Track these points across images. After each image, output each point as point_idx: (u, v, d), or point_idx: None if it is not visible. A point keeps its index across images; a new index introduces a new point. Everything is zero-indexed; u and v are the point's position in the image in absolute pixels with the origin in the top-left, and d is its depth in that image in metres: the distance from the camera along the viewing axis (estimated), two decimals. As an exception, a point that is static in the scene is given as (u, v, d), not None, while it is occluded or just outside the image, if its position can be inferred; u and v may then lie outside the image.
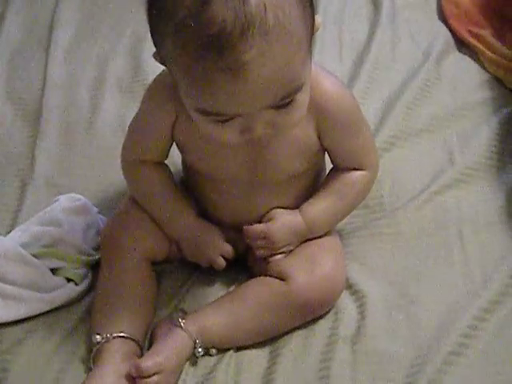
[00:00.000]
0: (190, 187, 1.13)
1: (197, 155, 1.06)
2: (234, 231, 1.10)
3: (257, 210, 1.08)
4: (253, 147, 1.00)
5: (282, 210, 1.08)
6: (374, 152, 1.11)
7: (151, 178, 1.10)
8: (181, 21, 0.82)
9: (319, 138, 1.03)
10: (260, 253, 1.07)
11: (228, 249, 1.09)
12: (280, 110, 0.89)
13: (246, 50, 0.81)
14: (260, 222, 1.08)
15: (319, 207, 1.08)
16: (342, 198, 1.08)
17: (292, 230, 1.07)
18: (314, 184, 1.11)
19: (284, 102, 0.89)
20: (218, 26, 0.80)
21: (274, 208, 1.08)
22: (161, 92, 1.03)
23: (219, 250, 1.09)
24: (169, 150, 1.09)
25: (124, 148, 1.10)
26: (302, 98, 0.91)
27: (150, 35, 0.91)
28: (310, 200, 1.08)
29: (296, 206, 1.08)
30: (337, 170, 1.09)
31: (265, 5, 0.81)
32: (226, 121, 0.89)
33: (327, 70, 1.04)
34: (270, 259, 1.07)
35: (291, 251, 1.08)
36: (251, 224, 1.07)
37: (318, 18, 0.92)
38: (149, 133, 1.06)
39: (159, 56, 0.92)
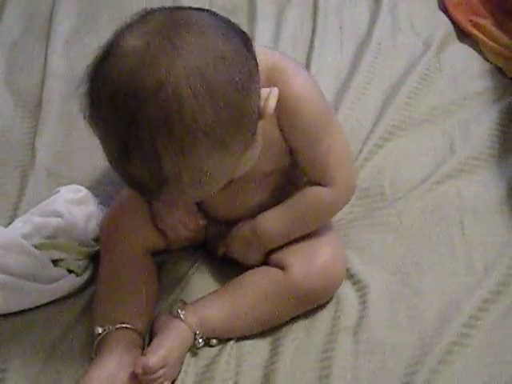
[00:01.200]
0: None
1: None
2: (223, 225, 1.10)
3: (237, 205, 1.08)
4: None
5: (243, 222, 1.09)
6: (343, 170, 1.05)
7: None
8: (110, 154, 0.86)
9: (284, 137, 1.01)
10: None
11: (187, 218, 1.09)
12: None
13: (163, 196, 0.87)
14: (243, 216, 1.09)
15: (271, 219, 1.06)
16: (295, 212, 1.05)
17: (244, 240, 1.08)
18: (294, 180, 1.08)
19: None
20: (137, 179, 0.85)
21: (255, 203, 1.08)
22: None
23: (178, 216, 1.08)
24: None
25: None
26: (247, 161, 0.92)
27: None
28: (266, 211, 1.07)
29: (276, 204, 1.07)
30: (306, 183, 1.06)
31: (179, 168, 0.83)
32: None
33: (301, 68, 1.02)
34: None
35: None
36: (240, 219, 1.09)
37: (270, 96, 0.89)
38: None
39: None
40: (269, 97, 0.89)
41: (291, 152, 1.03)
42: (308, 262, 1.04)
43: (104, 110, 0.84)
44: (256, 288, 1.04)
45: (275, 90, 0.90)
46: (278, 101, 0.92)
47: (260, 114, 0.89)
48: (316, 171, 1.04)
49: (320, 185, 1.04)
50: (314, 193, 1.05)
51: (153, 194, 0.89)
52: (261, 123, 0.91)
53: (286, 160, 1.04)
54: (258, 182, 1.06)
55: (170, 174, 0.83)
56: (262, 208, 1.08)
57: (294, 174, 1.08)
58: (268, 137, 0.96)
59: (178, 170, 0.83)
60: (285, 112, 0.97)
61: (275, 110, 0.92)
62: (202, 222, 1.09)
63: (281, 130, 0.99)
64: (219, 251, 1.11)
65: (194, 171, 0.84)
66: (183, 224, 1.08)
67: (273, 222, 1.06)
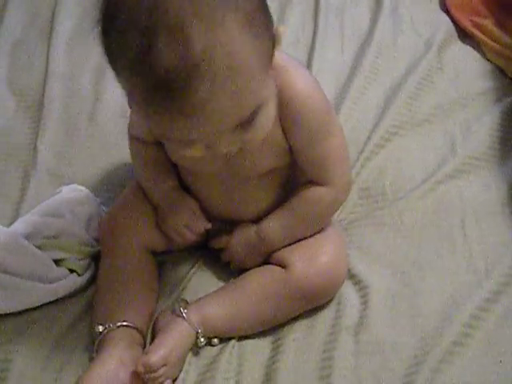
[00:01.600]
0: (181, 180, 1.13)
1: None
2: (227, 224, 1.10)
3: (240, 204, 1.08)
4: None
5: (245, 224, 1.09)
6: (342, 168, 1.05)
7: (144, 152, 1.11)
8: (128, 62, 0.80)
9: (286, 136, 1.00)
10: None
11: (193, 221, 1.08)
12: (242, 129, 0.87)
13: (193, 93, 0.78)
14: (244, 216, 1.09)
15: (273, 221, 1.06)
16: (297, 215, 1.05)
17: (247, 241, 1.08)
18: (294, 179, 1.08)
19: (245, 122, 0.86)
20: (163, 70, 0.77)
21: (257, 202, 1.08)
22: None
23: (184, 220, 1.08)
24: None
25: (128, 123, 1.12)
26: (265, 116, 0.88)
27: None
28: (269, 215, 1.07)
29: (281, 201, 1.07)
30: (305, 183, 1.06)
31: (211, 48, 0.77)
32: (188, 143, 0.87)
33: (303, 68, 1.02)
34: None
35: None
36: (241, 218, 1.09)
37: (280, 28, 0.87)
38: (136, 123, 1.09)
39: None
40: (278, 28, 0.88)
41: (291, 151, 1.03)
42: (310, 261, 1.04)
43: None
44: (257, 287, 1.05)
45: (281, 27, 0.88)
46: (280, 100, 0.92)
47: (275, 41, 0.87)
48: (316, 170, 1.04)
49: (318, 184, 1.04)
50: (313, 193, 1.05)
51: (182, 90, 0.78)
52: None
53: (287, 159, 1.04)
54: (258, 180, 1.05)
55: (200, 54, 0.76)
56: (263, 207, 1.08)
57: (294, 172, 1.07)
58: (270, 135, 0.95)
59: (209, 49, 0.76)
60: (287, 110, 0.97)
61: (278, 108, 0.93)
62: (207, 226, 1.09)
63: (282, 129, 0.99)
64: (223, 257, 1.11)
65: (224, 52, 0.77)
66: (189, 228, 1.08)
67: (276, 225, 1.06)
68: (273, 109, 0.90)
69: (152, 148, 1.10)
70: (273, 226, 1.06)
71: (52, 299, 1.09)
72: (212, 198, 1.09)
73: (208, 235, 1.12)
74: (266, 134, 0.91)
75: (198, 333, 1.02)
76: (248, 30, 0.80)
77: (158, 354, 0.98)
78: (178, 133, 0.84)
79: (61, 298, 1.10)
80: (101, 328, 1.02)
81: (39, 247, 1.10)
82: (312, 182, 1.05)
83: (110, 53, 0.83)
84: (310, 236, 1.07)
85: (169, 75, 0.77)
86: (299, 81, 0.97)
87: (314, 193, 1.05)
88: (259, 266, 1.08)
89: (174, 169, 1.11)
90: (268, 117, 0.89)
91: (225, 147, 0.87)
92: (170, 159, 1.09)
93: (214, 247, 1.12)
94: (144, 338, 1.05)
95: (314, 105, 0.98)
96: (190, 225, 1.08)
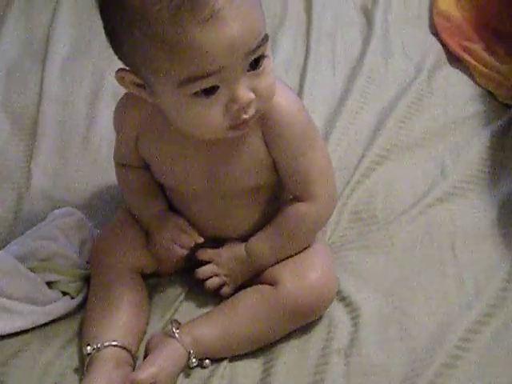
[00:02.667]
0: (168, 202, 1.14)
1: (160, 170, 1.08)
2: (214, 242, 1.11)
3: (227, 222, 1.09)
4: (208, 159, 1.02)
5: (233, 244, 1.10)
6: (325, 183, 1.06)
7: (131, 177, 1.13)
8: None
9: (269, 151, 1.02)
10: (208, 283, 1.10)
11: (180, 236, 1.08)
12: (254, 74, 0.91)
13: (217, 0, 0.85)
14: (232, 234, 1.10)
15: (261, 240, 1.08)
16: (283, 232, 1.07)
17: (235, 255, 1.09)
18: (282, 197, 1.09)
19: (257, 58, 0.91)
20: None
21: (244, 220, 1.09)
22: (120, 116, 1.08)
23: (171, 235, 1.08)
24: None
25: (114, 151, 1.14)
26: (269, 64, 0.93)
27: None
28: (257, 234, 1.08)
29: (268, 218, 1.08)
30: (290, 200, 1.07)
31: None
32: (210, 94, 0.90)
33: (284, 83, 1.04)
34: (220, 292, 1.10)
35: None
36: (228, 236, 1.10)
37: None
38: (121, 149, 1.12)
39: (125, 59, 0.94)
40: None
41: (275, 167, 1.04)
42: (299, 278, 1.04)
43: None
44: (248, 306, 1.05)
45: None
46: (263, 114, 0.96)
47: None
48: (299, 185, 1.05)
49: (302, 199, 1.05)
50: (297, 210, 1.06)
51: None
52: (250, 141, 0.99)
53: (271, 176, 1.05)
54: (245, 198, 1.07)
55: None
56: (250, 225, 1.10)
57: (280, 190, 1.09)
58: (254, 152, 1.00)
59: None
60: (271, 124, 1.00)
61: (261, 123, 0.97)
62: (199, 240, 1.09)
63: (266, 145, 1.01)
64: (208, 270, 1.10)
65: None
66: (177, 243, 1.09)
67: (263, 243, 1.07)
68: (272, 65, 0.94)
69: (139, 172, 1.12)
70: (260, 245, 1.07)
71: (45, 321, 1.09)
72: (199, 217, 1.10)
73: (195, 259, 1.12)
74: (270, 99, 0.95)
75: (190, 353, 1.02)
76: None
77: (147, 371, 0.98)
78: (202, 62, 0.87)
79: (53, 320, 1.10)
80: (89, 349, 1.02)
81: (32, 269, 1.11)
82: (296, 199, 1.06)
83: (119, 4, 0.88)
84: (299, 252, 1.08)
85: None
86: (282, 96, 1.00)
87: (298, 209, 1.06)
88: (248, 282, 1.09)
89: (162, 192, 1.13)
90: (270, 69, 0.94)
91: (244, 95, 0.90)
92: (157, 182, 1.11)
93: (199, 258, 1.11)
94: (133, 357, 1.04)
95: (295, 118, 1.01)
96: (177, 240, 1.08)
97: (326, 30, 1.61)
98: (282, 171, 1.04)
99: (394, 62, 1.52)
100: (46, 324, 1.10)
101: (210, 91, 0.90)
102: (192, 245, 1.09)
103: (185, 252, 1.09)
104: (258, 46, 0.90)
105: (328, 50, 1.56)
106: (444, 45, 1.54)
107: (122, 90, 1.47)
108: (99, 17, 0.94)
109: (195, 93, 0.90)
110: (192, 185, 1.06)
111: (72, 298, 1.12)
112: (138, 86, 0.96)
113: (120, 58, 0.95)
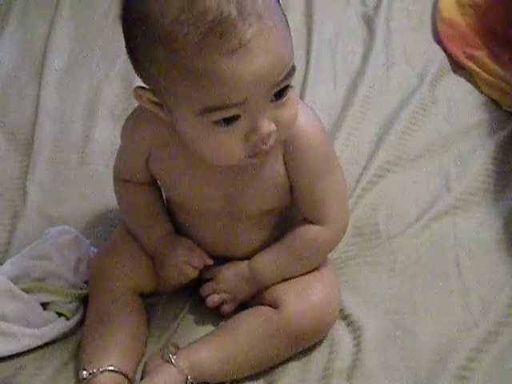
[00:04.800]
0: (172, 218, 1.12)
1: (173, 188, 1.06)
2: (220, 261, 1.09)
3: (235, 242, 1.08)
4: (226, 180, 1.00)
5: (236, 262, 1.08)
6: (340, 208, 1.05)
7: (134, 195, 1.11)
8: (173, 20, 0.83)
9: (288, 174, 1.01)
10: (209, 299, 1.08)
11: (192, 257, 1.06)
12: (278, 104, 0.89)
13: (246, 29, 0.83)
14: (239, 254, 1.08)
15: (267, 257, 1.06)
16: (290, 252, 1.05)
17: (237, 272, 1.07)
18: (290, 218, 1.08)
19: (281, 89, 0.88)
20: (214, 12, 0.82)
21: (252, 241, 1.07)
22: (133, 129, 1.04)
23: (184, 257, 1.06)
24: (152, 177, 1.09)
25: (114, 166, 1.12)
26: (294, 95, 0.91)
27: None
28: (262, 251, 1.07)
29: (274, 240, 1.07)
30: (301, 220, 1.06)
31: None
32: (230, 122, 0.88)
33: (305, 104, 1.02)
34: (220, 310, 1.08)
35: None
36: (233, 255, 1.08)
37: None
38: (128, 164, 1.09)
39: (145, 78, 0.91)
40: None
41: (291, 191, 1.02)
42: (301, 300, 1.02)
43: None
44: (248, 329, 1.03)
45: None
46: (287, 137, 0.95)
47: None
48: (313, 209, 1.03)
49: (315, 222, 1.04)
50: (309, 232, 1.04)
51: (236, 27, 0.83)
52: (270, 163, 0.98)
53: (286, 200, 1.04)
54: (254, 219, 1.05)
55: None
56: (256, 246, 1.08)
57: (290, 212, 1.07)
58: (274, 175, 0.99)
59: None
60: (292, 146, 0.98)
61: (283, 146, 0.96)
62: (209, 262, 1.07)
63: (286, 166, 1.00)
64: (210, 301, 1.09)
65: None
66: (189, 264, 1.06)
67: (269, 260, 1.06)
68: (297, 95, 0.92)
69: (144, 189, 1.10)
70: (265, 261, 1.06)
71: (40, 344, 1.07)
72: (205, 236, 1.08)
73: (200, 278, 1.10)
74: (291, 129, 0.93)
75: (187, 379, 1.00)
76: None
77: None
78: (226, 93, 0.85)
79: (48, 343, 1.08)
80: (85, 373, 1.00)
81: (27, 290, 1.09)
82: (308, 220, 1.04)
83: (145, 25, 0.85)
84: (303, 274, 1.06)
85: (221, 14, 0.82)
86: (303, 117, 0.98)
87: (310, 231, 1.04)
88: (250, 301, 1.07)
89: (167, 212, 1.11)
90: (295, 99, 0.91)
91: (265, 126, 0.88)
92: (161, 199, 1.10)
93: (202, 294, 1.09)
94: (130, 382, 1.02)
95: (317, 140, 1.00)
96: (189, 261, 1.06)
97: (327, 39, 1.60)
98: (297, 193, 1.03)
99: (396, 70, 1.51)
100: (40, 347, 1.07)
101: (230, 119, 0.88)
102: (202, 266, 1.07)
103: (197, 273, 1.07)
104: (285, 78, 0.88)
105: (329, 59, 1.55)
106: (447, 52, 1.54)
107: (120, 105, 1.48)
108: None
109: (216, 121, 0.88)
110: (207, 204, 1.04)
111: (67, 319, 1.10)
112: (156, 103, 0.93)
113: (139, 76, 0.92)
